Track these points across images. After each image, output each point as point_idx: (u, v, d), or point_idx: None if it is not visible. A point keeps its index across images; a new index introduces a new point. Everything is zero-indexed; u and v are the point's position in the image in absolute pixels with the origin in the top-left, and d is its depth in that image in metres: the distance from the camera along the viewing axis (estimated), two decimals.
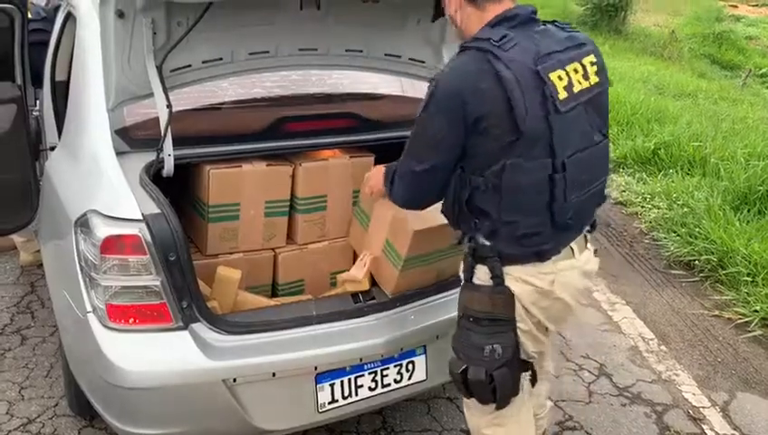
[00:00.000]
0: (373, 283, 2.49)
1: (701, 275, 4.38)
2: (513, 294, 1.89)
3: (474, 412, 2.14)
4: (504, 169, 1.78)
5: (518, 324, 1.92)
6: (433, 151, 1.85)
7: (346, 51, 2.63)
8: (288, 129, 2.53)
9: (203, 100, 2.54)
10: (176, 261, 2.06)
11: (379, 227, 2.41)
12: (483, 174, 1.81)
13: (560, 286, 1.93)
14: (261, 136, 2.48)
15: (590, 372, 3.41)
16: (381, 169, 2.16)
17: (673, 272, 4.46)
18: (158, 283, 2.06)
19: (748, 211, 4.80)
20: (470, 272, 1.95)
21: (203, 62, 2.39)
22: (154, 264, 2.04)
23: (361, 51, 2.66)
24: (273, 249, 2.62)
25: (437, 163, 1.86)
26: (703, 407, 3.20)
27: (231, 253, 2.54)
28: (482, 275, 1.92)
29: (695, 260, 4.46)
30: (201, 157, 2.38)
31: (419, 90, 2.86)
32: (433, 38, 2.73)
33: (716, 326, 3.89)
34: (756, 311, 3.86)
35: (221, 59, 2.42)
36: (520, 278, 1.89)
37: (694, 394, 3.29)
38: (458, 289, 2.45)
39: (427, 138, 1.86)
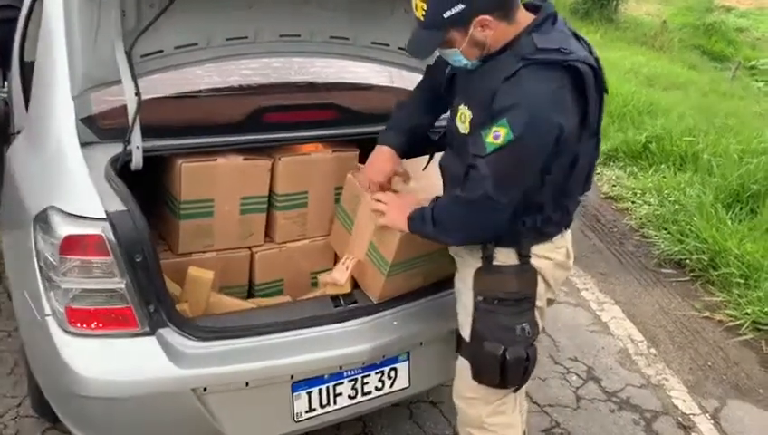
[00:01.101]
0: (355, 285, 2.36)
1: (692, 274, 4.29)
2: (536, 272, 1.95)
3: (476, 403, 2.10)
4: (577, 159, 1.84)
5: (538, 303, 1.98)
6: (520, 183, 1.80)
7: (331, 38, 2.48)
8: (267, 120, 2.38)
9: (175, 88, 2.37)
10: (142, 262, 1.91)
11: (363, 229, 2.27)
12: (549, 172, 1.81)
13: (570, 256, 2.06)
14: (238, 127, 2.32)
15: (578, 375, 3.31)
16: (398, 202, 2.09)
17: (663, 271, 4.37)
18: (122, 286, 1.91)
19: (740, 209, 4.71)
20: (488, 254, 1.94)
21: (176, 48, 2.23)
22: (118, 266, 1.89)
23: (347, 38, 2.50)
24: (249, 248, 2.48)
25: (520, 194, 1.81)
26: (693, 414, 3.12)
27: (205, 251, 2.39)
28: (504, 256, 1.93)
29: (686, 259, 4.37)
30: (172, 149, 2.22)
31: (408, 80, 2.73)
32: None
33: (707, 329, 3.81)
34: (747, 314, 3.77)
35: (196, 44, 2.26)
36: (543, 255, 1.96)
37: (684, 401, 3.20)
38: (445, 292, 2.37)
39: (514, 171, 1.77)
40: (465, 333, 2.04)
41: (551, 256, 1.98)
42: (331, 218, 2.56)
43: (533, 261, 1.94)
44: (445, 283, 2.42)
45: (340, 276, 2.28)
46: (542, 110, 1.69)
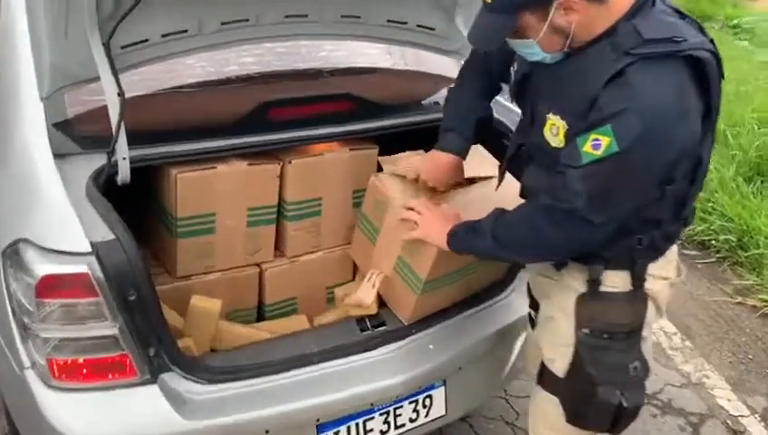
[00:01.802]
0: (380, 302, 2.05)
1: (718, 255, 4.03)
2: (647, 298, 1.64)
3: None
4: (701, 162, 1.54)
5: (644, 332, 1.67)
6: (624, 200, 1.48)
7: (342, 17, 2.13)
8: (273, 117, 2.04)
9: (165, 83, 2.02)
10: (137, 300, 1.59)
11: (390, 241, 1.95)
12: (671, 182, 1.50)
13: (681, 270, 1.75)
14: (239, 127, 1.98)
15: None
16: (435, 213, 1.80)
17: (687, 252, 4.09)
18: (115, 330, 1.59)
19: (762, 183, 4.45)
20: (595, 277, 1.63)
21: (163, 36, 1.87)
22: (109, 307, 1.57)
23: (359, 17, 2.15)
24: (258, 265, 2.16)
25: (625, 212, 1.50)
26: (741, 416, 2.88)
27: (207, 273, 2.06)
28: (615, 280, 1.62)
29: (710, 239, 4.10)
30: (165, 157, 1.87)
31: (430, 63, 2.40)
32: (444, 0, 2.23)
33: (741, 316, 3.56)
34: None
35: (186, 31, 1.90)
36: (658, 275, 1.65)
37: (729, 400, 2.96)
38: (485, 305, 2.12)
39: (615, 188, 1.45)
40: (559, 368, 1.72)
41: (666, 274, 1.67)
42: (348, 226, 2.24)
43: (648, 284, 1.63)
44: (483, 294, 2.14)
45: (366, 297, 1.97)
46: (661, 119, 1.35)
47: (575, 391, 1.69)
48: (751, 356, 3.26)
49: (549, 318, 1.76)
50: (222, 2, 1.89)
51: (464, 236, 1.69)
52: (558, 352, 1.72)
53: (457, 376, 2.05)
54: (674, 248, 1.69)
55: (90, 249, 1.54)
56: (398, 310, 2.00)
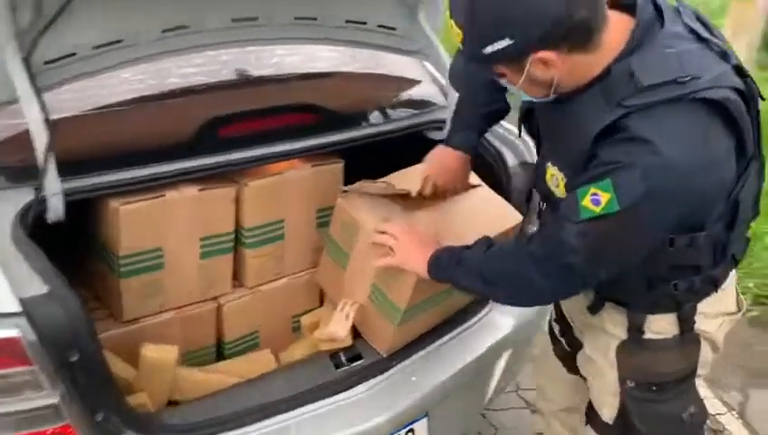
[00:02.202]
0: (354, 332, 1.86)
1: None
2: (700, 338, 1.49)
3: None
4: (739, 202, 1.35)
5: (699, 371, 1.53)
6: (622, 255, 1.31)
7: (296, 19, 1.91)
8: (224, 134, 1.81)
9: (98, 101, 1.75)
10: (80, 361, 1.36)
11: (362, 267, 1.77)
12: (702, 228, 1.34)
13: (741, 303, 1.57)
14: (187, 149, 1.75)
15: None
16: (413, 236, 1.62)
17: None
18: (56, 399, 1.35)
19: None
20: (637, 325, 1.48)
21: (94, 48, 1.62)
22: (47, 374, 1.33)
23: (315, 18, 1.94)
24: (215, 299, 1.93)
25: (633, 262, 1.34)
26: (719, 414, 2.81)
27: (158, 313, 1.83)
28: (660, 325, 1.47)
29: None
30: (103, 188, 1.62)
31: (395, 66, 2.21)
32: None
33: None
34: (749, 287, 3.50)
35: (120, 41, 1.65)
36: (711, 313, 1.48)
37: (705, 398, 2.88)
38: (469, 324, 1.96)
39: (616, 247, 1.29)
40: (606, 416, 1.60)
41: (722, 309, 1.50)
42: (314, 248, 2.04)
43: (700, 325, 1.47)
44: (462, 314, 1.98)
45: (339, 330, 1.78)
46: (672, 174, 1.16)
47: None
48: (723, 349, 3.21)
49: (590, 360, 1.62)
50: (160, 7, 1.65)
51: (447, 266, 1.51)
52: (604, 401, 1.60)
53: (440, 405, 1.88)
54: (731, 278, 1.52)
55: (19, 308, 1.29)
56: (376, 341, 1.82)
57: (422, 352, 1.86)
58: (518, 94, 1.40)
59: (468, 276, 1.46)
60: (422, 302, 1.77)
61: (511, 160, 2.08)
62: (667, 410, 1.49)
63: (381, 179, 1.82)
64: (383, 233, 1.66)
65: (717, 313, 1.50)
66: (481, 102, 1.69)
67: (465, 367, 1.89)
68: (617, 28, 1.23)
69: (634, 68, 1.18)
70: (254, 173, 1.86)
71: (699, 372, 1.52)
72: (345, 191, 1.79)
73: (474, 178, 1.92)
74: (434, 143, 2.12)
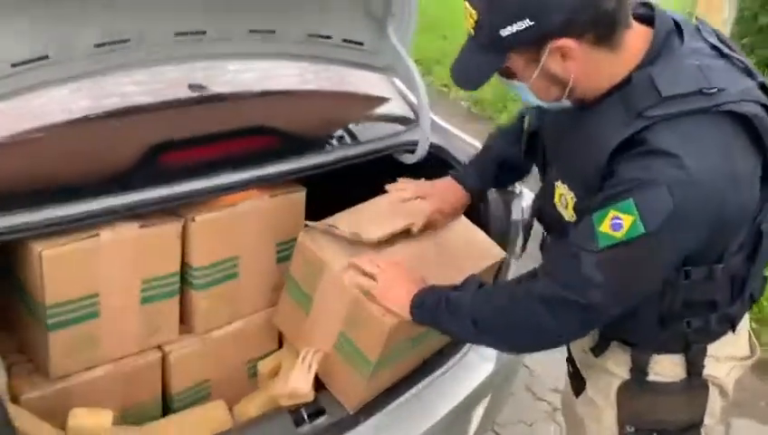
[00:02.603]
0: (318, 383, 1.66)
1: None
2: (708, 385, 1.36)
3: None
4: (762, 232, 1.24)
5: (706, 421, 1.39)
6: (645, 284, 1.20)
7: (250, 32, 1.70)
8: (168, 163, 1.59)
9: (17, 127, 1.51)
10: None
11: (328, 312, 1.57)
12: (721, 260, 1.22)
13: (755, 347, 1.45)
14: (125, 181, 1.53)
15: None
16: (395, 274, 1.47)
17: None
18: None
19: None
20: (641, 366, 1.35)
21: (14, 66, 1.39)
22: None
23: (273, 31, 1.74)
24: (159, 348, 1.71)
25: (650, 293, 1.23)
26: None
27: (92, 368, 1.60)
28: (665, 367, 1.35)
29: None
30: (24, 230, 1.39)
31: (357, 83, 2.02)
32: (374, 10, 1.85)
33: None
34: None
35: (47, 57, 1.42)
36: (722, 356, 1.36)
37: None
38: (438, 373, 1.79)
39: (640, 275, 1.17)
40: None
41: (733, 353, 1.38)
42: (272, 286, 1.84)
43: (709, 369, 1.34)
44: (436, 358, 1.80)
45: (302, 385, 1.58)
46: (695, 192, 1.07)
47: None
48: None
49: (590, 400, 1.49)
50: (94, 17, 1.42)
51: (432, 310, 1.36)
52: None
53: None
54: (744, 320, 1.40)
55: None
56: (342, 396, 1.63)
57: (393, 405, 1.67)
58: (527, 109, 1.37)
59: (457, 321, 1.31)
60: (395, 350, 1.58)
61: None
62: None
63: (352, 211, 1.63)
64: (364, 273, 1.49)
65: (728, 356, 1.38)
66: (495, 148, 1.65)
67: (440, 420, 1.72)
68: (637, 35, 1.16)
69: (655, 76, 1.11)
70: (202, 206, 1.64)
71: (706, 421, 1.39)
72: (308, 226, 1.59)
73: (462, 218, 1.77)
74: (404, 167, 1.94)
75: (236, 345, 1.83)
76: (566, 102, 1.21)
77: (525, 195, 1.98)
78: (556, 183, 1.29)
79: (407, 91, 2.07)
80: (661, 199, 1.06)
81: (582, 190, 1.21)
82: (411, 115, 2.03)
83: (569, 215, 1.27)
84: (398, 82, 2.09)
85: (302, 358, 1.61)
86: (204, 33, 1.62)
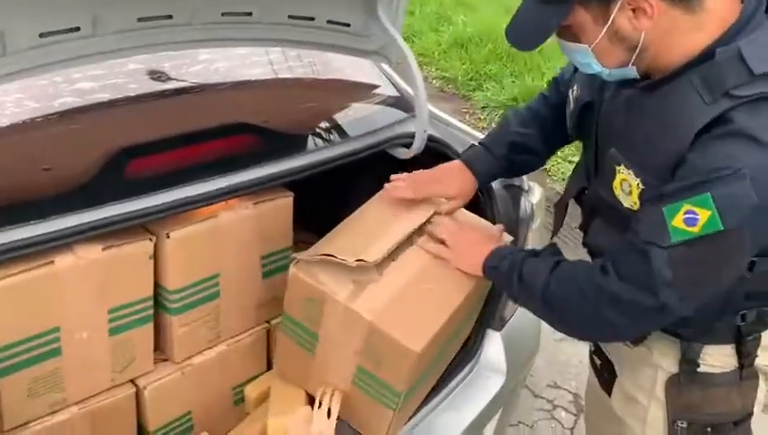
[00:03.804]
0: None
1: None
2: (758, 375, 1.32)
3: None
4: None
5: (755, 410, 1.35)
6: (720, 282, 1.11)
7: (223, 15, 1.47)
8: (135, 172, 1.37)
9: None
10: None
11: (340, 346, 1.37)
12: None
13: None
14: (84, 195, 1.30)
15: (565, 409, 2.66)
16: (467, 235, 1.45)
17: None
18: None
19: None
20: (691, 356, 1.29)
21: None
22: None
23: (250, 13, 1.51)
24: (132, 381, 1.50)
25: (721, 291, 1.14)
26: None
27: (55, 412, 1.38)
28: (717, 358, 1.29)
29: None
30: None
31: (351, 68, 1.81)
32: None
33: None
34: None
35: None
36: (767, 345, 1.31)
37: None
38: (448, 390, 1.65)
39: (715, 273, 1.09)
40: None
41: None
42: (258, 303, 1.64)
43: (759, 359, 1.30)
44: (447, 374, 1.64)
45: (326, 430, 1.36)
46: None
47: None
48: None
49: (629, 398, 1.42)
50: (40, 5, 1.18)
51: (505, 276, 1.31)
52: None
53: None
54: None
55: None
56: (368, 431, 1.44)
57: (402, 432, 1.50)
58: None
59: (527, 294, 1.27)
60: (422, 373, 1.41)
61: (495, 183, 1.72)
62: None
63: (343, 228, 1.42)
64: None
65: None
66: (511, 130, 1.49)
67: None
68: (723, 3, 1.05)
69: (745, 52, 1.02)
70: (176, 220, 1.42)
71: (756, 410, 1.34)
72: (296, 259, 1.38)
73: (466, 213, 1.59)
74: (400, 163, 1.74)
75: (220, 371, 1.62)
76: (632, 70, 1.12)
77: (534, 190, 1.81)
78: (618, 167, 1.18)
79: (398, 80, 1.87)
80: (743, 194, 0.98)
81: (653, 178, 1.10)
82: (406, 104, 1.83)
83: (630, 202, 1.17)
84: (387, 68, 1.89)
85: (318, 402, 1.40)
86: (170, 17, 1.39)
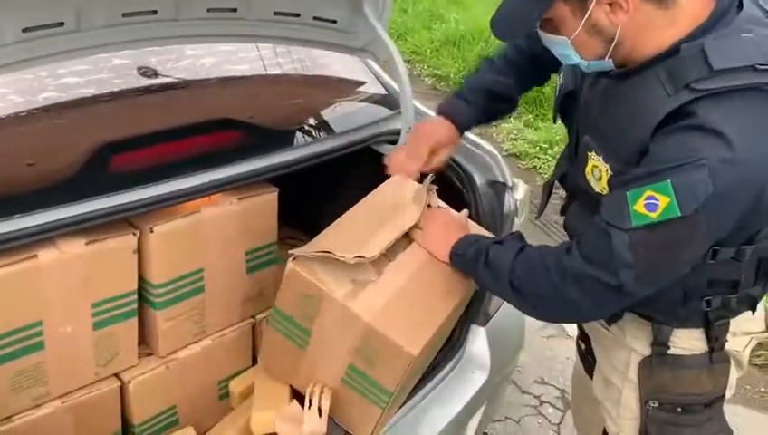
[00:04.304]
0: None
1: None
2: (729, 359, 1.37)
3: None
4: None
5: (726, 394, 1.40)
6: (677, 267, 1.16)
7: (209, 11, 1.48)
8: (118, 167, 1.37)
9: None
10: None
11: (333, 344, 1.37)
12: (752, 241, 1.21)
13: None
14: (68, 190, 1.30)
15: (552, 405, 2.68)
16: (444, 219, 1.48)
17: None
18: None
19: None
20: (662, 339, 1.34)
21: None
22: None
23: (234, 9, 1.52)
24: (116, 376, 1.50)
25: (681, 274, 1.19)
26: None
27: (38, 406, 1.38)
28: (686, 341, 1.34)
29: None
30: None
31: (329, 66, 1.82)
32: None
33: None
34: None
35: None
36: (740, 332, 1.37)
37: None
38: (434, 383, 1.65)
39: (672, 257, 1.14)
40: None
41: (750, 329, 1.39)
42: (243, 298, 1.65)
43: (730, 343, 1.34)
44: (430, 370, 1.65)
45: (318, 429, 1.37)
46: (737, 174, 1.04)
47: None
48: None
49: (606, 381, 1.48)
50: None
51: (472, 262, 1.35)
52: (622, 426, 1.45)
53: None
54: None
55: None
56: (355, 429, 1.45)
57: (385, 428, 1.51)
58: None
59: (495, 279, 1.31)
60: (412, 373, 1.42)
61: (479, 179, 1.73)
62: None
63: (338, 225, 1.43)
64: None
65: (745, 331, 1.39)
66: (498, 85, 1.54)
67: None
68: (695, 1, 1.11)
69: (707, 48, 1.06)
70: (160, 214, 1.42)
71: (727, 394, 1.40)
72: (293, 256, 1.37)
73: (439, 202, 1.58)
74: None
75: (205, 366, 1.63)
76: (608, 63, 1.17)
77: (519, 187, 1.82)
78: (590, 153, 1.24)
79: (384, 76, 1.88)
80: (700, 182, 1.03)
81: (620, 165, 1.16)
82: (392, 100, 1.84)
83: (600, 187, 1.23)
84: (373, 65, 1.89)
85: (308, 400, 1.40)
86: (155, 12, 1.39)
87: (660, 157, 1.07)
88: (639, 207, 1.08)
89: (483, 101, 1.54)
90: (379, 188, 1.51)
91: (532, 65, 1.53)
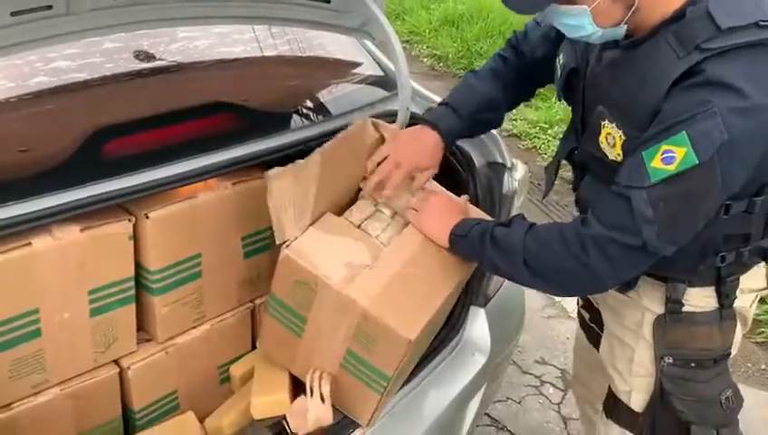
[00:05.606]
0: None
1: None
2: (736, 315, 1.42)
3: None
4: None
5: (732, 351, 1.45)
6: (696, 219, 1.18)
7: None
8: (112, 152, 1.36)
9: None
10: None
11: (330, 330, 1.37)
12: (761, 192, 1.25)
13: None
14: (61, 176, 1.29)
15: (553, 384, 2.68)
16: (442, 202, 1.47)
17: None
18: None
19: None
20: (675, 297, 1.37)
21: None
22: None
23: None
24: (115, 362, 1.50)
25: (697, 228, 1.20)
26: None
27: (37, 393, 1.38)
28: (699, 298, 1.38)
29: None
30: None
31: (329, 45, 1.79)
32: None
33: None
34: None
35: None
36: (746, 289, 1.42)
37: None
38: (432, 365, 1.65)
39: (694, 209, 1.17)
40: (637, 402, 1.48)
41: (755, 286, 1.43)
42: (240, 281, 1.65)
43: (737, 302, 1.39)
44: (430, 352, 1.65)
45: (324, 415, 1.37)
46: (751, 121, 1.08)
47: (660, 429, 1.44)
48: None
49: (618, 341, 1.50)
50: None
51: (476, 243, 1.33)
52: (635, 384, 1.48)
53: None
54: None
55: None
56: (355, 412, 1.45)
57: (385, 409, 1.51)
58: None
59: (506, 259, 1.29)
60: (410, 357, 1.41)
61: (478, 160, 1.72)
62: (707, 392, 1.39)
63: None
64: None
65: (751, 288, 1.44)
66: (485, 100, 1.53)
67: (438, 417, 1.57)
68: None
69: (712, 9, 1.11)
70: (156, 200, 1.41)
71: (733, 352, 1.45)
72: (286, 243, 1.36)
73: (435, 185, 1.57)
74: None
75: (204, 351, 1.63)
76: (622, 29, 1.18)
77: (518, 167, 1.80)
78: (603, 123, 1.26)
79: (381, 56, 1.85)
80: (714, 128, 1.06)
81: (634, 129, 1.19)
82: (388, 81, 1.82)
83: (615, 154, 1.25)
84: (370, 45, 1.87)
85: (309, 387, 1.40)
86: None
87: (672, 113, 1.10)
88: (656, 162, 1.10)
89: (471, 112, 1.52)
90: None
91: (518, 77, 1.55)
